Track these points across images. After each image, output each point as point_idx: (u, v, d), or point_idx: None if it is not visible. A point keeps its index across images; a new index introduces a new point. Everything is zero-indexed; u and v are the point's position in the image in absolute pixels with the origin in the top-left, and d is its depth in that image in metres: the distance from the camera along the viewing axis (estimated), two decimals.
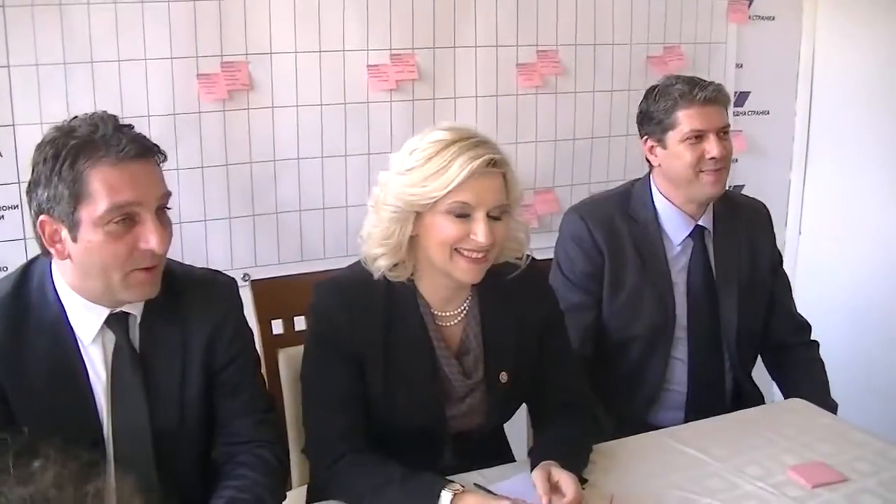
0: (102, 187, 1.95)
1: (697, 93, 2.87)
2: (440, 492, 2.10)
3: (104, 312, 2.10)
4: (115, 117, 2.03)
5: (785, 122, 4.38)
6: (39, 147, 1.99)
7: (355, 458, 2.27)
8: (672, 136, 2.90)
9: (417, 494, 2.14)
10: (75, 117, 2.04)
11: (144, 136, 2.04)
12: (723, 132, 2.90)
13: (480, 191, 2.20)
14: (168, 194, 2.07)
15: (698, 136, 2.87)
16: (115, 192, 1.96)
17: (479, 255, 2.24)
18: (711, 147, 2.86)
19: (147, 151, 2.03)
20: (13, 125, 2.98)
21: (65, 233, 1.99)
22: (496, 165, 2.22)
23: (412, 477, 2.18)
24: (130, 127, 2.04)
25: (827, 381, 3.05)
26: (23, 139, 2.96)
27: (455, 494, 2.09)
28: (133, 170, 1.99)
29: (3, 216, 3.02)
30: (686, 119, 2.87)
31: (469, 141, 2.21)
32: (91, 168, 1.95)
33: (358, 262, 2.38)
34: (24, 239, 3.02)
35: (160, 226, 2.03)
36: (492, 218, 2.22)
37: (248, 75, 3.29)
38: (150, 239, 2.01)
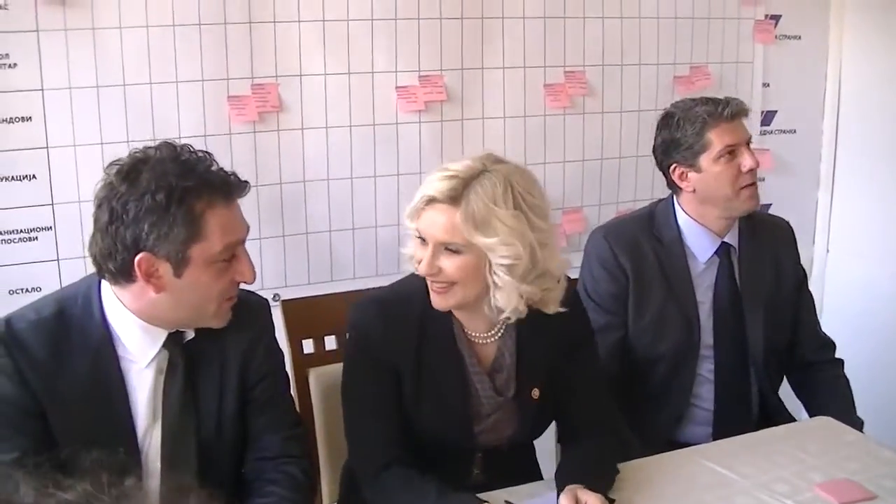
0: (218, 228, 2.04)
1: (723, 109, 2.89)
2: None
3: (163, 334, 2.16)
4: (206, 152, 2.11)
5: (812, 141, 4.36)
6: (131, 182, 2.01)
7: (399, 470, 2.30)
8: (705, 158, 2.90)
9: None
10: (154, 148, 2.08)
11: (233, 172, 2.12)
12: (749, 144, 2.94)
13: (425, 224, 2.25)
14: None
15: (731, 152, 2.89)
16: (228, 233, 2.07)
17: (436, 285, 2.29)
18: (745, 160, 2.88)
19: (244, 190, 2.14)
20: (47, 147, 3.00)
21: (166, 269, 2.04)
22: (437, 202, 2.23)
23: (447, 495, 2.20)
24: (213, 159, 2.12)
25: (852, 399, 3.04)
26: (56, 162, 3.00)
27: None
28: (236, 208, 2.11)
29: (36, 237, 3.03)
30: (717, 137, 2.89)
31: (435, 176, 2.26)
32: (209, 210, 2.03)
33: (401, 280, 2.46)
34: (58, 260, 3.04)
35: (250, 259, 2.15)
36: (449, 251, 2.24)
37: (277, 97, 3.31)
38: (245, 272, 2.14)
